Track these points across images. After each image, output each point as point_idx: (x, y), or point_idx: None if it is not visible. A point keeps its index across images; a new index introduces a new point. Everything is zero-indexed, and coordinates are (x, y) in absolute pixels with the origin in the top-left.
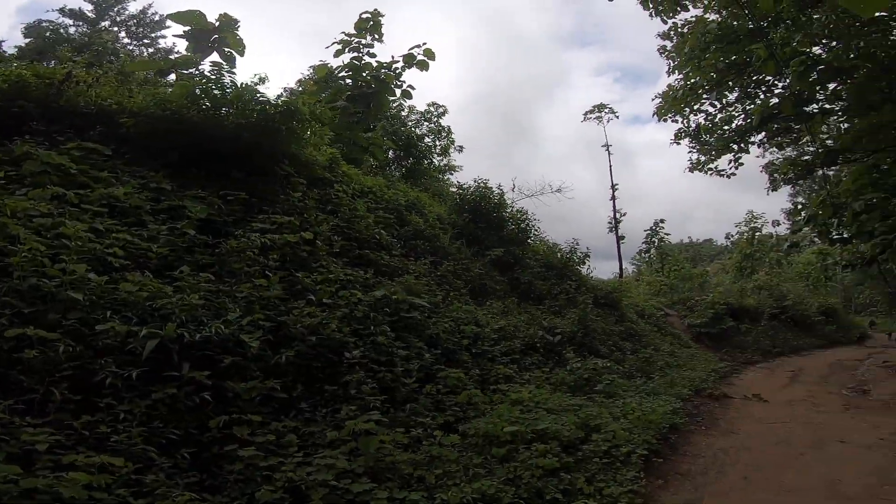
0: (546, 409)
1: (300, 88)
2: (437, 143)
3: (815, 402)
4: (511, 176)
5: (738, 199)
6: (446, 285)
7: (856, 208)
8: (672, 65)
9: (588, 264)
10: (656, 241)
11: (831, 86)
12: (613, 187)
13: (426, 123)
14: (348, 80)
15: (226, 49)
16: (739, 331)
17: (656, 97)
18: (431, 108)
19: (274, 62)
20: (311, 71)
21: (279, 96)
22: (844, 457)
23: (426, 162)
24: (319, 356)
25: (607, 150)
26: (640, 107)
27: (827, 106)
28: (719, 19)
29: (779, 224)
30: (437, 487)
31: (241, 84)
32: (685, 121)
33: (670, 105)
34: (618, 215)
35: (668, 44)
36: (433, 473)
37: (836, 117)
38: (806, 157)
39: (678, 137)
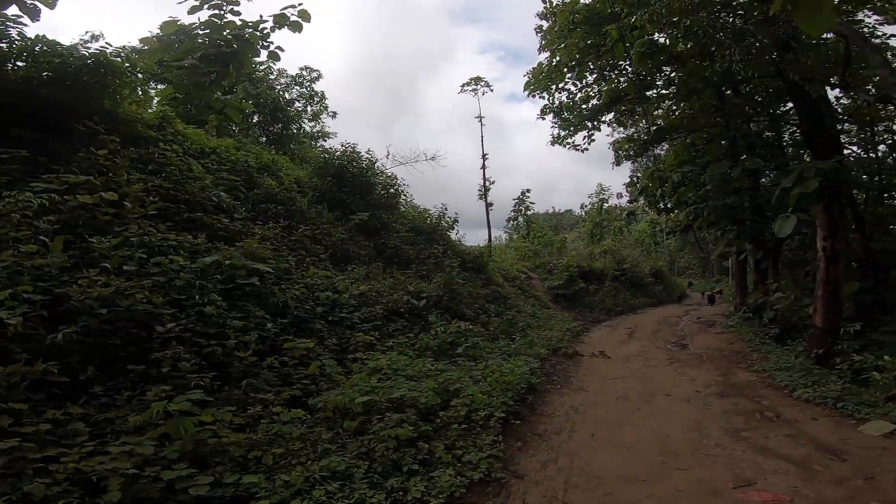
0: (406, 376)
1: (144, 47)
2: (309, 108)
3: (647, 358)
4: (394, 145)
5: (595, 174)
6: (302, 250)
7: (674, 179)
8: (542, 43)
9: (457, 230)
10: (523, 209)
11: (669, 71)
12: (484, 157)
13: (297, 88)
14: (205, 39)
15: (28, 1)
16: (589, 292)
17: (526, 74)
18: (304, 73)
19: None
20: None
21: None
22: (671, 410)
23: (294, 127)
24: (118, 332)
25: (480, 121)
26: (519, 85)
27: (664, 91)
28: (588, 1)
29: (622, 196)
30: (277, 468)
31: (36, 36)
32: (550, 98)
33: (537, 82)
34: (487, 183)
35: (545, 23)
36: (272, 453)
37: (669, 101)
38: (642, 137)
39: (543, 113)
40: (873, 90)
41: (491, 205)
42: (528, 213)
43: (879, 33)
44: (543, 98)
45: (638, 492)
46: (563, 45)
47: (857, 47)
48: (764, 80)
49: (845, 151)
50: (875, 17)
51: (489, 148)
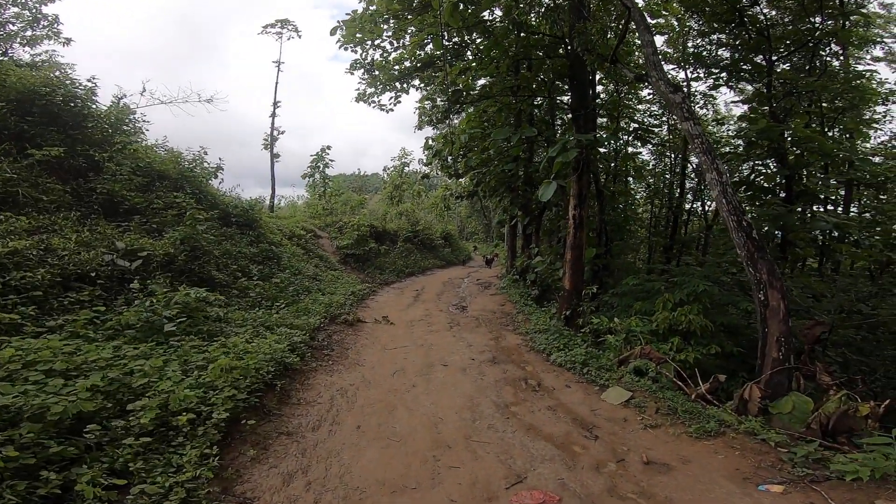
0: (50, 371)
1: None
2: (31, 31)
3: (430, 323)
4: (181, 88)
5: (407, 141)
6: None
7: (461, 140)
8: None
9: (221, 178)
10: (321, 166)
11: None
12: (275, 104)
13: (14, 8)
14: None
15: None
16: (380, 252)
17: (340, 23)
18: None
19: None
20: None
21: None
22: (446, 385)
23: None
24: None
25: (278, 67)
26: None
27: (473, 64)
28: None
29: (423, 162)
30: None
31: None
32: (364, 54)
33: (350, 35)
34: (276, 133)
35: None
36: None
37: (472, 69)
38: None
39: (353, 68)
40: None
41: (277, 156)
42: (327, 170)
43: None
44: (356, 52)
45: None
46: None
47: (634, 24)
48: (549, 60)
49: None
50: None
51: (309, 108)
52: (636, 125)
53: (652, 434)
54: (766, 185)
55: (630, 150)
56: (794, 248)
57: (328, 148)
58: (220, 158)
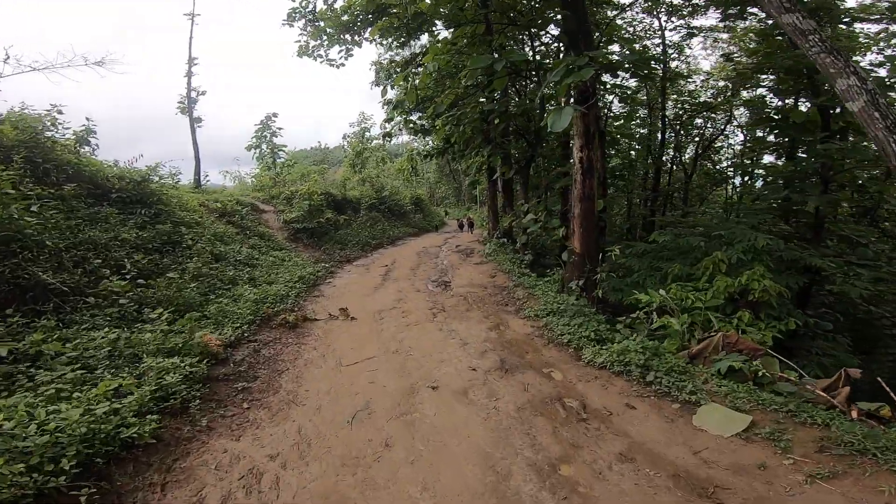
0: None
1: None
2: None
3: (405, 311)
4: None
5: (371, 111)
6: None
7: (428, 79)
8: None
9: (96, 145)
10: (268, 135)
11: None
12: (191, 61)
13: None
14: None
15: None
16: (340, 224)
17: None
18: None
19: None
20: None
21: None
22: (442, 432)
23: None
24: None
25: (192, 19)
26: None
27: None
28: None
29: (384, 128)
30: None
31: None
32: (304, 0)
33: None
34: (194, 94)
35: None
36: None
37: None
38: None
39: (291, 19)
40: None
41: (199, 121)
42: (276, 138)
43: None
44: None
45: None
46: None
47: None
48: None
49: None
50: None
51: (263, 83)
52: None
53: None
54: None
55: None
56: None
57: (274, 115)
58: (87, 119)
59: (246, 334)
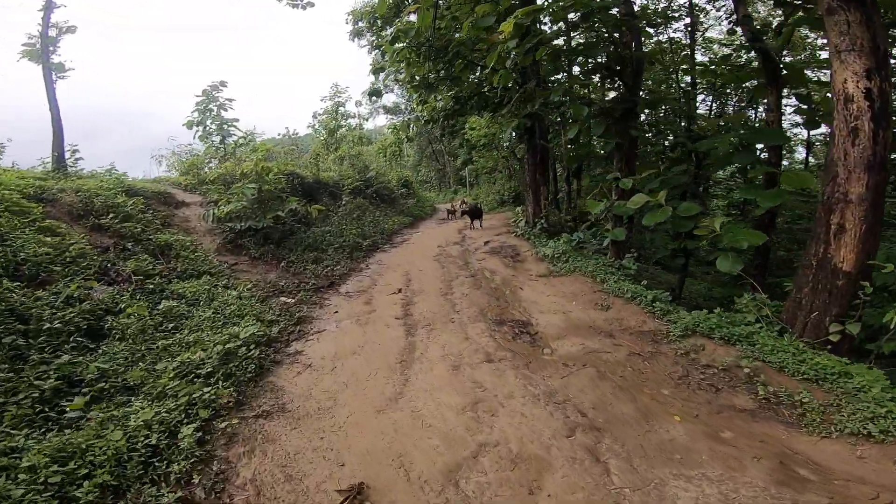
0: None
1: None
2: None
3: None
4: None
5: (346, 82)
6: None
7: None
8: None
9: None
10: (214, 108)
11: None
12: None
13: None
14: None
15: None
16: (310, 220)
17: None
18: None
19: None
20: None
21: None
22: None
23: None
24: None
25: None
26: None
27: None
28: None
29: (360, 104)
30: None
31: None
32: None
33: None
34: (54, 32)
35: None
36: None
37: None
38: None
39: None
40: None
41: (61, 69)
42: (224, 112)
43: None
44: None
45: None
46: None
47: None
48: None
49: None
50: None
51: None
52: None
53: None
54: None
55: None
56: None
57: (222, 84)
58: None
59: None
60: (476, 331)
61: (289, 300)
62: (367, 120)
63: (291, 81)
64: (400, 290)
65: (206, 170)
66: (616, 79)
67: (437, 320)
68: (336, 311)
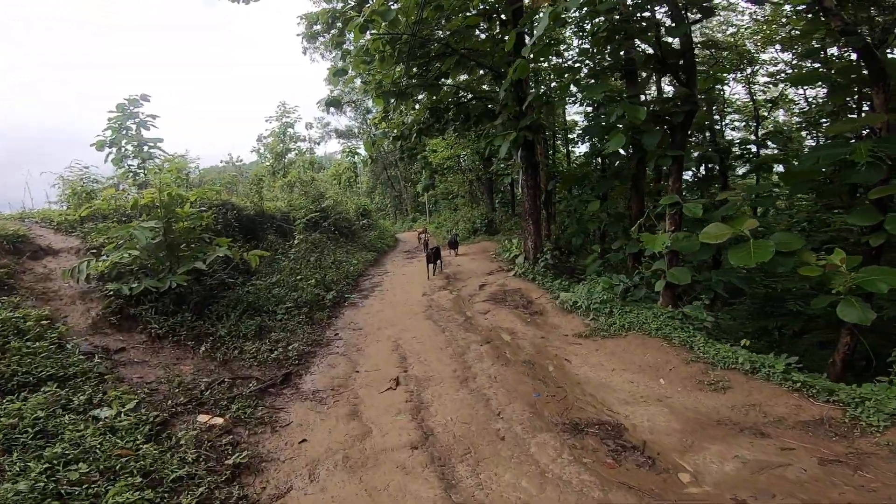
0: None
1: None
2: None
3: None
4: None
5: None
6: None
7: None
8: None
9: None
10: (133, 126)
11: None
12: None
13: None
14: None
15: None
16: (250, 269)
17: None
18: None
19: None
20: None
21: None
22: None
23: None
24: None
25: None
26: None
27: None
28: None
29: (311, 127)
30: None
31: None
32: None
33: None
34: None
35: None
36: None
37: None
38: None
39: None
40: None
41: None
42: (145, 131)
43: None
44: None
45: None
46: None
47: None
48: None
49: None
50: None
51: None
52: None
53: None
54: None
55: None
56: None
57: (144, 97)
58: None
59: None
60: (548, 454)
61: (214, 420)
62: (318, 144)
63: (237, 108)
64: (397, 382)
65: (99, 198)
66: (669, 74)
67: (476, 440)
68: (303, 441)
